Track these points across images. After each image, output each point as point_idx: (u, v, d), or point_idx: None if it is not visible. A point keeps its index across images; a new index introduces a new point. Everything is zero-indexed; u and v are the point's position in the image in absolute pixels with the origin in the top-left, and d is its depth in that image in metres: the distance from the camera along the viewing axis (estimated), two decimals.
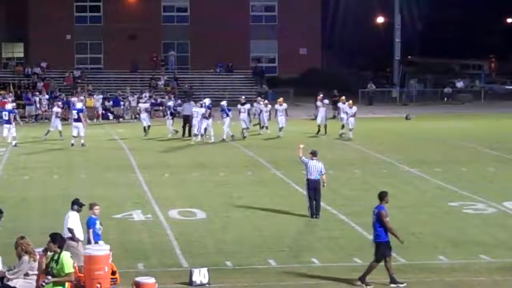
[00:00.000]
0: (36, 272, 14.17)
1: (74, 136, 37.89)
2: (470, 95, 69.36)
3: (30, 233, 16.84)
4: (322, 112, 43.16)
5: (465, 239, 20.25)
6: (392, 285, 16.64)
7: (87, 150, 36.84)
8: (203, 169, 31.24)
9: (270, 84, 66.08)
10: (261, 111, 43.02)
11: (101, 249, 15.76)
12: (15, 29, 68.80)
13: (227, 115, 39.96)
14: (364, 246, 19.83)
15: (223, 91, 64.00)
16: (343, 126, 41.41)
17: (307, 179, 22.91)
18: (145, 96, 50.83)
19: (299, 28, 69.99)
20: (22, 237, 14.33)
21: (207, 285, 16.65)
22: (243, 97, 44.28)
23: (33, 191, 26.93)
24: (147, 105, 45.34)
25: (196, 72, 68.58)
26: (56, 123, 40.49)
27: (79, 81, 64.20)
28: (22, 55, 71.83)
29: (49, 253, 14.28)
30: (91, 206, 17.30)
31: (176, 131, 41.86)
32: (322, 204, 23.10)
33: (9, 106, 40.07)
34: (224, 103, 41.41)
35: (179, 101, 48.90)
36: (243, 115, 41.54)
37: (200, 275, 16.67)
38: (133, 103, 53.14)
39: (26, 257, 14.03)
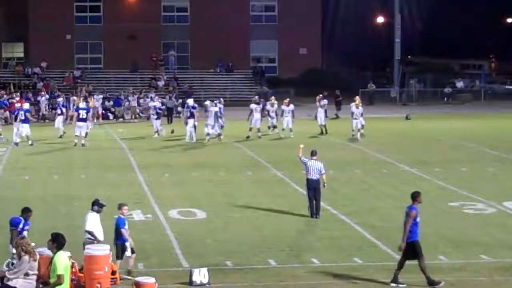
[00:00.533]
0: (36, 272, 14.17)
1: (77, 136, 37.91)
2: (470, 95, 69.39)
3: (30, 233, 16.83)
4: (319, 112, 43.20)
5: (465, 239, 20.26)
6: (393, 284, 16.60)
7: (87, 150, 36.83)
8: (203, 169, 31.24)
9: (270, 84, 66.08)
10: (268, 110, 42.77)
11: (101, 249, 15.78)
12: (15, 29, 68.83)
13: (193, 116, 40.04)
14: (364, 246, 19.84)
15: (223, 91, 64.04)
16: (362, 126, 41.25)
17: (307, 179, 22.91)
18: (152, 96, 50.73)
19: (299, 28, 69.99)
20: (22, 237, 14.34)
21: (207, 285, 16.65)
22: (257, 96, 44.09)
23: (33, 191, 26.92)
24: (157, 103, 45.61)
25: (196, 72, 68.61)
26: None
27: (79, 81, 64.23)
28: (22, 55, 71.85)
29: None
30: (120, 206, 17.41)
31: (160, 130, 41.74)
32: (322, 204, 23.10)
33: (26, 105, 40.54)
34: (208, 102, 41.71)
35: (180, 101, 48.91)
36: (257, 115, 41.51)
37: (200, 275, 16.67)
38: (133, 103, 53.14)
39: (26, 257, 14.03)
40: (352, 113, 40.68)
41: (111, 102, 55.01)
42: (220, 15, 68.56)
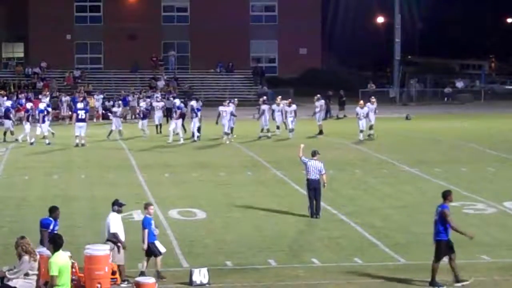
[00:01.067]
0: (36, 272, 14.17)
1: (77, 136, 37.91)
2: (470, 95, 69.39)
3: (30, 233, 16.81)
4: (317, 112, 43.32)
5: (465, 239, 20.18)
6: (457, 284, 16.51)
7: (87, 150, 36.84)
8: (203, 169, 31.24)
9: (270, 84, 66.08)
10: (273, 111, 42.78)
11: (101, 249, 15.78)
12: (15, 29, 68.86)
13: (196, 116, 40.02)
14: (364, 246, 19.84)
15: (223, 91, 64.04)
16: (371, 127, 41.26)
17: (307, 179, 22.91)
18: (157, 96, 50.70)
19: (299, 28, 69.99)
20: (22, 237, 14.32)
21: (207, 285, 16.66)
22: (280, 97, 44.19)
23: (33, 191, 26.92)
24: (162, 103, 45.80)
25: (196, 72, 68.62)
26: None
27: (79, 81, 64.23)
28: (22, 55, 71.87)
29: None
30: (146, 206, 17.45)
31: (144, 131, 41.73)
32: (322, 204, 23.10)
33: (42, 105, 40.75)
34: (193, 102, 41.77)
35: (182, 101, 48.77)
36: (279, 116, 41.79)
37: (200, 275, 16.67)
38: (133, 103, 53.08)
39: (26, 257, 14.02)
40: (357, 114, 40.68)
41: (111, 102, 54.87)
42: (220, 15, 68.58)
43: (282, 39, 71.90)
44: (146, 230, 17.10)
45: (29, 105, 42.87)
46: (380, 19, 79.37)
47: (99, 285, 15.41)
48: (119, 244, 16.73)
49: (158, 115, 44.31)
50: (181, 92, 61.10)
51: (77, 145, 37.63)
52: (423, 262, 18.20)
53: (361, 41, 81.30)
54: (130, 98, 53.83)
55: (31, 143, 38.17)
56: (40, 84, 61.33)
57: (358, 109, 40.71)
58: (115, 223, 16.91)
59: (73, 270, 15.01)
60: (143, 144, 39.04)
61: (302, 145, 23.74)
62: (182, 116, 39.95)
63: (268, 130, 41.65)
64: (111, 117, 43.63)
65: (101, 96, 54.65)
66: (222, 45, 67.57)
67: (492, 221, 22.44)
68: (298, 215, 23.00)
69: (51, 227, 16.47)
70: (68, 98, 52.30)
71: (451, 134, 42.88)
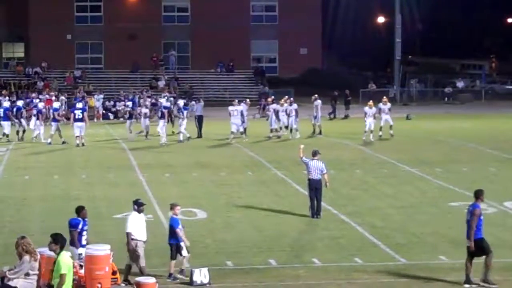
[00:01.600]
0: (37, 272, 14.17)
1: (77, 136, 37.90)
2: (471, 95, 69.37)
3: (31, 233, 16.84)
4: (315, 112, 43.38)
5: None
6: (485, 284, 16.46)
7: (87, 150, 36.83)
8: (204, 169, 31.23)
9: (271, 84, 66.08)
10: (278, 111, 42.73)
11: (101, 249, 15.77)
12: (16, 29, 68.89)
13: (183, 115, 40.00)
14: (364, 246, 19.83)
15: (224, 91, 64.06)
16: (391, 127, 41.34)
17: (309, 179, 22.91)
18: (165, 96, 50.60)
19: (299, 28, 69.99)
20: (23, 237, 14.32)
21: (207, 285, 16.66)
22: (286, 97, 44.23)
23: (33, 191, 26.91)
24: (168, 104, 45.73)
25: (197, 72, 68.61)
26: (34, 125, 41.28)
27: (79, 81, 64.23)
28: (22, 55, 71.86)
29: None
30: (172, 207, 17.45)
31: (129, 132, 41.57)
32: (323, 204, 23.09)
33: (56, 104, 40.68)
34: (180, 102, 41.89)
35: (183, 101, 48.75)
36: (283, 117, 41.81)
37: (201, 275, 16.68)
38: (143, 103, 52.84)
39: (27, 257, 14.02)
40: (365, 113, 40.58)
41: (111, 102, 54.85)
42: (220, 15, 68.60)
43: (282, 39, 71.90)
44: (178, 230, 17.11)
45: (41, 105, 42.76)
46: (381, 19, 79.35)
47: (99, 285, 15.41)
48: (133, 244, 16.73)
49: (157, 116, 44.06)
50: (182, 92, 61.09)
51: (77, 145, 37.64)
52: (423, 262, 18.23)
53: (362, 41, 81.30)
54: (136, 98, 53.54)
55: (49, 143, 38.09)
56: (40, 84, 61.28)
57: (366, 108, 40.61)
58: (131, 222, 16.92)
59: (74, 270, 15.02)
60: (143, 144, 39.02)
61: (302, 146, 23.73)
62: (169, 115, 40.34)
63: (276, 130, 41.47)
64: (140, 119, 42.23)
65: (101, 96, 54.61)
66: (222, 45, 67.58)
67: (493, 221, 22.40)
68: (299, 215, 22.99)
69: (80, 226, 16.50)
70: (63, 97, 52.13)
71: (451, 134, 42.86)
